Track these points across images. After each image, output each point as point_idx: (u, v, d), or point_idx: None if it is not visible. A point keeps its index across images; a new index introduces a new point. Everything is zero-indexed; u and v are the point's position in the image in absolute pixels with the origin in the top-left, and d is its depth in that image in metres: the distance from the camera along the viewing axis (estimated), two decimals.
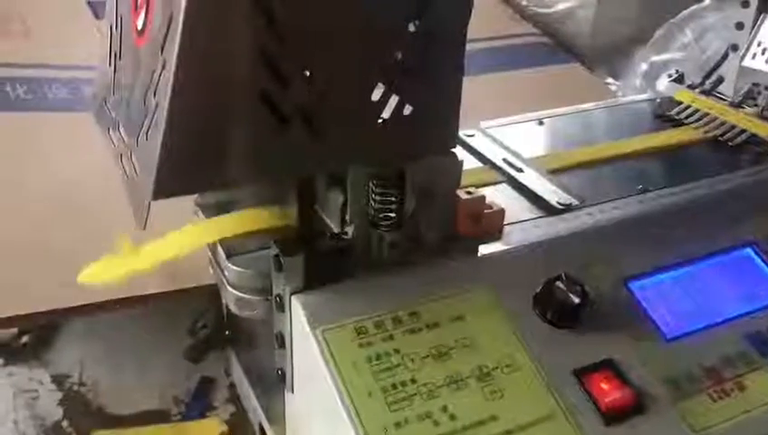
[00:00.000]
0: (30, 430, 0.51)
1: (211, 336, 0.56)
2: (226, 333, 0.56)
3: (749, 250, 0.46)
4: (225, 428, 0.53)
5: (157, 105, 0.32)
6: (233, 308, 0.41)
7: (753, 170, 0.53)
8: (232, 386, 0.56)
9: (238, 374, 0.54)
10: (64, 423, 0.52)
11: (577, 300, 0.38)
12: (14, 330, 0.57)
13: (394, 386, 0.35)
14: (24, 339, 0.58)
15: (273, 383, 0.43)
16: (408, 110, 0.36)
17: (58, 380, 0.55)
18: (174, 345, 0.57)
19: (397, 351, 0.36)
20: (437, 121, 0.38)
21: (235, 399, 0.55)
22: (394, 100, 0.35)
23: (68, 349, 0.58)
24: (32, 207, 0.58)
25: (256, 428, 0.51)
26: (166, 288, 0.54)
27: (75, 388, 0.55)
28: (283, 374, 0.41)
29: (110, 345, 0.58)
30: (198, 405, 0.54)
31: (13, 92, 0.68)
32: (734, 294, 0.43)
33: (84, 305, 0.52)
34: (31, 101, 0.68)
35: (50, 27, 0.76)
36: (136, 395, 0.54)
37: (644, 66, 0.99)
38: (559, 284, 0.38)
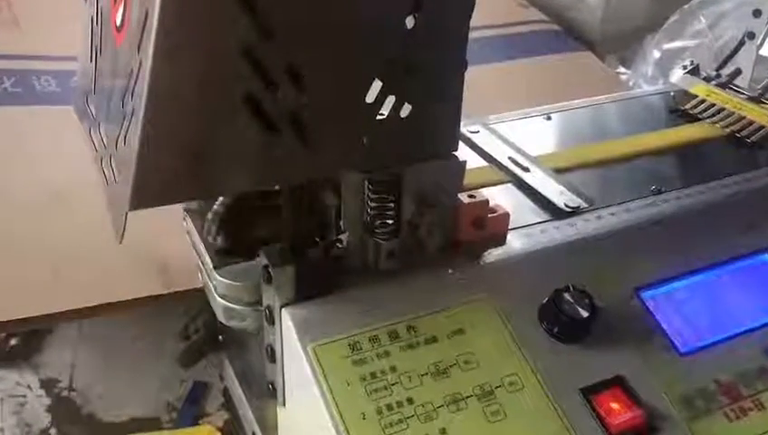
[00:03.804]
0: None
1: (204, 340, 0.55)
2: (219, 337, 0.54)
3: None
4: None
5: (133, 108, 0.29)
6: (221, 318, 0.39)
7: None
8: (226, 391, 0.54)
9: (231, 381, 0.52)
10: (52, 431, 0.51)
11: (585, 314, 0.36)
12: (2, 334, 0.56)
13: (389, 407, 0.33)
14: (13, 342, 0.56)
15: (267, 392, 0.41)
16: (405, 110, 0.34)
17: (47, 385, 0.54)
18: (167, 350, 0.56)
19: (392, 368, 0.34)
20: (437, 123, 0.35)
21: (229, 405, 0.53)
22: (390, 100, 0.33)
23: (58, 352, 0.56)
24: (21, 206, 0.56)
25: None
26: (158, 291, 0.52)
27: (65, 393, 0.53)
28: (275, 389, 0.39)
29: (102, 349, 0.56)
30: (191, 411, 0.53)
31: (0, 85, 0.65)
32: (752, 304, 0.41)
33: (75, 309, 0.51)
34: (19, 95, 0.65)
35: (39, 16, 0.73)
36: (127, 401, 0.53)
37: (656, 54, 0.96)
38: (566, 296, 0.36)
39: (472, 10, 0.33)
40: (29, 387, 0.54)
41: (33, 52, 0.69)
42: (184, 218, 0.43)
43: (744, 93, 0.58)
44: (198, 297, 0.50)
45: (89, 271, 0.53)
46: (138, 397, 0.53)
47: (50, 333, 0.58)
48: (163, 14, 0.27)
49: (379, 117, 0.33)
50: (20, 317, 0.50)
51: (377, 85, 0.32)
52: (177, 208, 0.43)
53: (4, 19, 0.72)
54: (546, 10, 1.02)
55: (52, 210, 0.56)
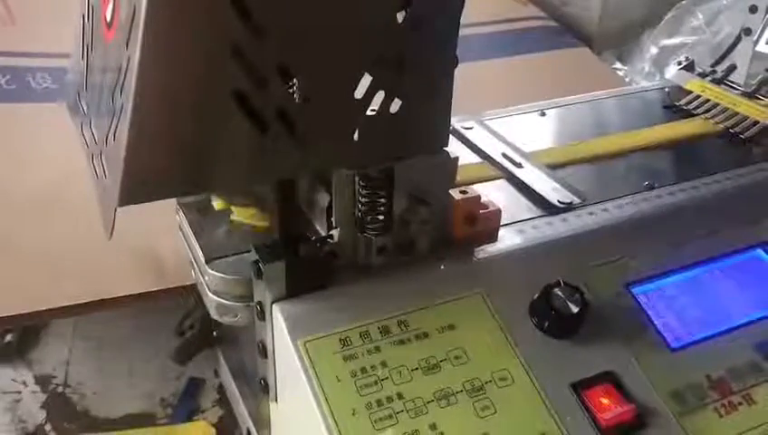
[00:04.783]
0: (11, 434, 0.50)
1: (199, 336, 0.55)
2: (214, 333, 0.54)
3: (760, 251, 0.44)
4: (213, 431, 0.51)
5: (122, 105, 0.29)
6: (213, 314, 0.39)
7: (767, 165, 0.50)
8: (221, 387, 0.54)
9: (226, 376, 0.53)
10: (47, 427, 0.51)
11: (575, 309, 0.36)
12: None
13: (379, 402, 0.33)
14: (8, 338, 0.56)
15: (259, 388, 0.41)
16: (395, 106, 0.34)
17: (42, 381, 0.54)
18: (161, 346, 0.56)
19: (383, 364, 0.34)
20: (428, 118, 0.35)
21: (223, 401, 0.54)
22: (380, 96, 0.33)
23: (53, 349, 0.56)
24: (16, 204, 0.56)
25: (244, 432, 0.49)
26: (152, 288, 0.52)
27: (59, 389, 0.54)
28: (267, 384, 0.39)
29: (96, 346, 0.56)
30: (186, 408, 0.53)
31: None
32: (743, 299, 0.41)
33: (70, 306, 0.51)
34: (14, 92, 0.65)
35: (35, 13, 0.73)
36: (122, 397, 0.53)
37: (653, 50, 0.96)
38: (557, 291, 0.36)
39: (462, 5, 0.33)
40: (24, 383, 0.54)
41: (28, 49, 0.69)
42: (176, 212, 0.43)
43: (738, 89, 0.58)
44: (193, 294, 0.50)
45: (84, 268, 0.53)
46: (133, 393, 0.53)
47: (45, 329, 0.58)
48: (150, 10, 0.27)
49: (369, 113, 0.33)
50: (15, 314, 0.50)
51: (366, 81, 0.32)
52: (172, 205, 0.43)
53: (0, 16, 0.72)
54: (543, 6, 1.02)
55: (47, 207, 0.56)
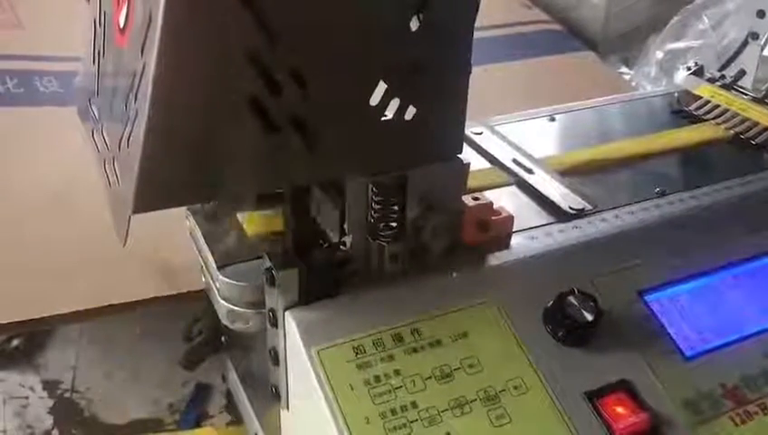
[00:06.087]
0: None
1: (207, 342, 0.54)
2: (222, 339, 0.54)
3: None
4: None
5: (137, 111, 0.29)
6: (224, 320, 0.39)
7: None
8: (229, 393, 0.54)
9: (234, 382, 0.52)
10: (54, 432, 0.51)
11: (590, 317, 0.35)
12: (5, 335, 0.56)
13: (393, 411, 0.33)
14: (16, 343, 0.56)
15: (270, 395, 0.41)
16: (410, 113, 0.33)
17: (49, 386, 0.54)
18: (169, 351, 0.55)
19: (397, 372, 0.34)
20: (442, 125, 0.35)
21: (231, 407, 0.53)
22: (395, 103, 0.33)
23: (60, 354, 0.56)
24: (23, 208, 0.56)
25: None
26: (160, 293, 0.52)
27: (67, 395, 0.53)
28: (278, 392, 0.39)
29: (104, 351, 0.56)
30: (193, 413, 0.53)
31: (2, 86, 0.65)
32: (757, 307, 0.41)
33: (78, 311, 0.51)
34: (21, 95, 0.65)
35: (42, 17, 0.73)
36: (129, 403, 0.53)
37: (659, 54, 0.96)
38: (571, 299, 0.36)
39: (477, 11, 0.33)
40: (31, 389, 0.54)
41: (35, 52, 0.69)
42: (186, 218, 0.42)
43: (748, 94, 0.58)
44: (201, 299, 0.50)
45: (91, 273, 0.52)
46: (140, 399, 0.53)
47: (52, 334, 0.57)
48: (167, 17, 0.27)
49: (383, 119, 0.33)
50: (22, 319, 0.50)
51: (381, 88, 0.32)
52: (180, 209, 0.43)
53: (7, 20, 0.72)
54: (549, 10, 1.02)
55: (54, 211, 0.56)
